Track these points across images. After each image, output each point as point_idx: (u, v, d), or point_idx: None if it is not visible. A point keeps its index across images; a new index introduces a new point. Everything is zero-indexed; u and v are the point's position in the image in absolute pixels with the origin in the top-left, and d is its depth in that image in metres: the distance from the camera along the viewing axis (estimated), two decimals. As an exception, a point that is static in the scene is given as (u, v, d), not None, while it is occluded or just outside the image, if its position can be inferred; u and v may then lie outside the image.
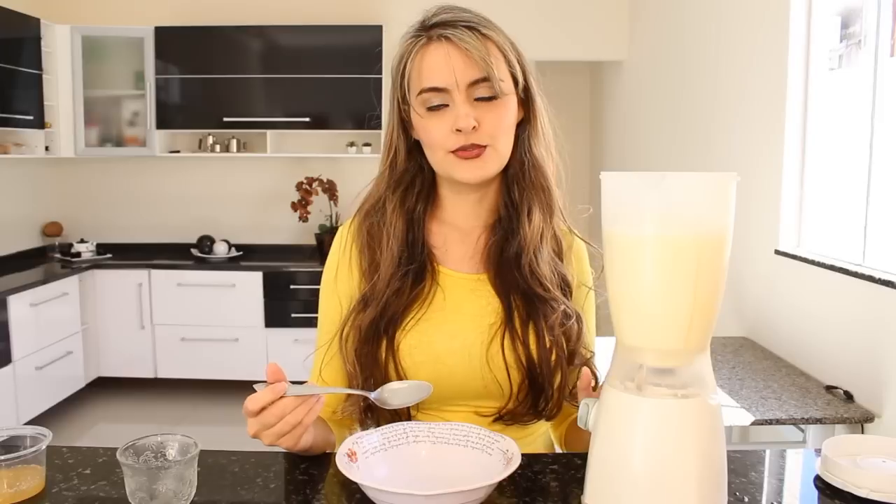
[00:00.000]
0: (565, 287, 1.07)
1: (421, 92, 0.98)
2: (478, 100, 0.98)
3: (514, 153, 1.04)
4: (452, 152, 0.99)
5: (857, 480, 0.87)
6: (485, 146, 0.98)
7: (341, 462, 0.84)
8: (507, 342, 1.01)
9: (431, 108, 0.99)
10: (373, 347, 1.02)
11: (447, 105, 0.98)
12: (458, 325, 1.03)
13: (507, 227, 1.06)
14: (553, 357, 1.02)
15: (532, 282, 1.03)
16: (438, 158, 1.01)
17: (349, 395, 1.05)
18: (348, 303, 1.07)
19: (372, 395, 0.92)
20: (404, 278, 1.03)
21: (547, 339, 1.02)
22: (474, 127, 0.97)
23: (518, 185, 1.06)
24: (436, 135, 0.99)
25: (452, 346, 1.02)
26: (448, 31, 0.97)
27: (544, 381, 1.02)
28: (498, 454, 0.88)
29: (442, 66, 0.97)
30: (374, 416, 1.07)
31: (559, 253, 1.09)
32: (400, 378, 1.02)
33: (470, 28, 0.97)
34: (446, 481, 0.82)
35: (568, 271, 1.08)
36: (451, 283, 1.06)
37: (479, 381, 1.02)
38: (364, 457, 0.89)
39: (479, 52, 0.96)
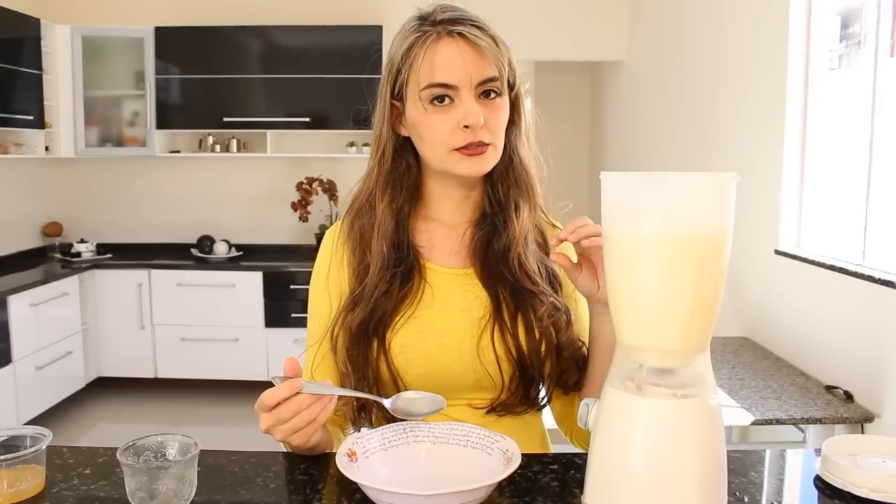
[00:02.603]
0: (553, 280, 1.08)
1: (428, 87, 0.98)
2: (481, 97, 0.99)
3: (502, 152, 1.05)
4: (457, 150, 0.99)
5: (857, 480, 0.87)
6: (487, 144, 0.99)
7: (341, 462, 0.84)
8: (496, 335, 1.02)
9: (435, 104, 0.98)
10: (363, 348, 1.02)
11: (452, 101, 0.98)
12: (447, 321, 1.04)
13: (492, 223, 1.07)
14: (542, 348, 1.03)
15: (520, 276, 1.04)
16: (439, 154, 1.01)
17: (342, 395, 1.05)
18: (339, 302, 1.07)
19: (387, 403, 0.92)
20: (392, 280, 1.04)
21: (536, 331, 1.03)
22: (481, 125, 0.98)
23: (503, 184, 1.07)
24: (440, 131, 0.99)
25: (443, 342, 1.02)
26: (459, 27, 0.97)
27: (534, 371, 1.03)
28: (498, 454, 0.88)
29: (456, 62, 0.97)
30: (366, 415, 1.07)
31: (544, 248, 1.10)
32: (393, 376, 1.02)
33: (476, 26, 0.98)
34: (446, 481, 0.82)
35: (555, 265, 1.09)
36: (439, 279, 1.07)
37: (472, 375, 1.02)
38: (364, 456, 0.89)
39: (491, 49, 0.97)
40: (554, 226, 1.14)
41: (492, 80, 0.98)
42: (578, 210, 1.16)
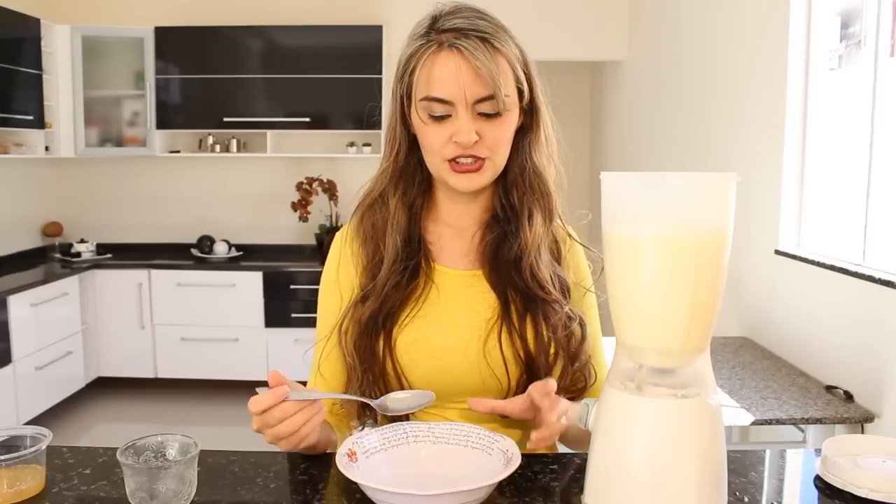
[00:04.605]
0: (565, 290, 1.07)
1: (425, 98, 0.97)
2: (481, 114, 0.97)
3: (514, 159, 1.04)
4: (449, 161, 0.99)
5: (857, 480, 0.87)
6: (483, 158, 0.99)
7: (341, 462, 0.84)
8: (504, 336, 1.02)
9: (434, 117, 0.98)
10: (371, 341, 1.03)
11: (450, 115, 0.97)
12: (454, 322, 1.03)
13: (504, 228, 1.07)
14: (551, 351, 1.02)
15: (533, 284, 1.04)
16: (435, 164, 1.01)
17: (348, 392, 1.06)
18: (349, 297, 1.08)
19: (374, 403, 0.94)
20: (403, 273, 1.04)
21: (545, 334, 1.02)
22: (476, 141, 0.97)
23: (518, 190, 1.06)
24: (434, 142, 0.99)
25: (449, 343, 1.02)
26: (461, 41, 0.95)
27: (543, 375, 1.02)
28: (498, 454, 0.88)
29: (451, 78, 0.95)
30: (372, 412, 1.07)
31: (557, 257, 1.10)
32: (398, 375, 1.02)
33: (483, 40, 0.95)
34: (446, 481, 0.82)
35: (567, 275, 1.09)
36: (446, 280, 1.06)
37: (477, 377, 1.02)
38: (364, 457, 0.89)
39: (488, 69, 0.94)
40: (570, 235, 1.12)
41: (488, 98, 0.95)
42: (578, 209, 1.16)
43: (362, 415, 1.08)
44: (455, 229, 1.10)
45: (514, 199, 1.07)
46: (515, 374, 1.02)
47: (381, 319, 1.03)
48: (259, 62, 4.52)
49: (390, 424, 0.95)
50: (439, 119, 0.98)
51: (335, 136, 4.67)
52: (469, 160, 0.98)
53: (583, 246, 1.14)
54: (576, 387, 1.08)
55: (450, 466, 0.90)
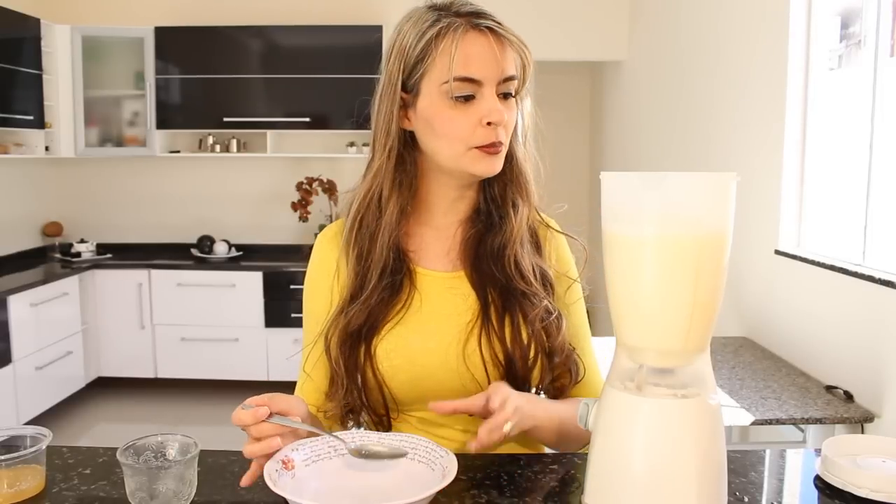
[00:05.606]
0: (546, 282, 1.06)
1: (454, 80, 0.94)
2: (498, 95, 0.97)
3: None
4: (477, 147, 0.96)
5: (857, 480, 0.87)
6: (501, 143, 0.98)
7: (269, 469, 0.80)
8: (483, 338, 1.00)
9: (458, 99, 0.95)
10: (354, 351, 1.01)
11: (474, 97, 0.95)
12: (434, 325, 1.02)
13: (486, 220, 1.06)
14: (531, 352, 1.01)
15: (514, 275, 1.02)
16: (455, 152, 0.97)
17: (332, 396, 1.04)
18: (332, 304, 1.06)
19: (350, 447, 0.88)
20: (389, 288, 1.02)
21: (524, 333, 1.00)
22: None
23: (500, 181, 1.05)
24: (461, 127, 0.96)
25: (428, 347, 1.01)
26: (486, 21, 0.95)
27: (525, 374, 1.01)
28: (439, 470, 0.83)
29: (487, 56, 0.94)
30: (355, 418, 1.06)
31: (538, 248, 1.09)
32: (378, 383, 1.01)
33: (498, 23, 0.96)
34: (380, 495, 0.79)
35: (548, 266, 1.07)
36: (428, 284, 1.04)
37: (457, 381, 1.00)
38: (304, 465, 0.86)
39: (518, 48, 0.96)
40: (548, 226, 1.11)
41: (512, 78, 0.96)
42: (578, 210, 1.16)
43: (345, 421, 1.06)
44: (436, 230, 1.08)
45: (495, 191, 1.06)
46: (496, 377, 1.00)
47: (364, 331, 1.01)
48: (259, 62, 4.52)
49: (341, 432, 0.91)
50: (464, 101, 0.95)
51: (335, 136, 4.67)
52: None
53: (565, 235, 1.12)
54: (561, 382, 1.07)
55: (388, 480, 0.85)
